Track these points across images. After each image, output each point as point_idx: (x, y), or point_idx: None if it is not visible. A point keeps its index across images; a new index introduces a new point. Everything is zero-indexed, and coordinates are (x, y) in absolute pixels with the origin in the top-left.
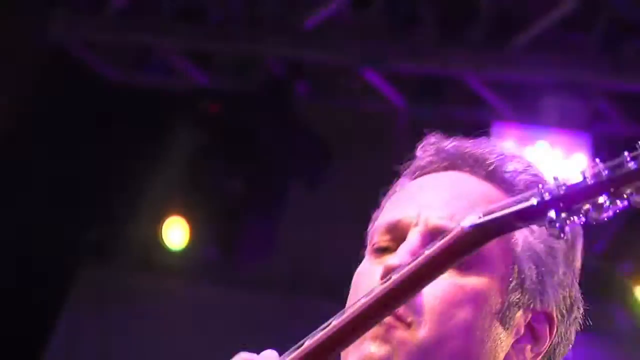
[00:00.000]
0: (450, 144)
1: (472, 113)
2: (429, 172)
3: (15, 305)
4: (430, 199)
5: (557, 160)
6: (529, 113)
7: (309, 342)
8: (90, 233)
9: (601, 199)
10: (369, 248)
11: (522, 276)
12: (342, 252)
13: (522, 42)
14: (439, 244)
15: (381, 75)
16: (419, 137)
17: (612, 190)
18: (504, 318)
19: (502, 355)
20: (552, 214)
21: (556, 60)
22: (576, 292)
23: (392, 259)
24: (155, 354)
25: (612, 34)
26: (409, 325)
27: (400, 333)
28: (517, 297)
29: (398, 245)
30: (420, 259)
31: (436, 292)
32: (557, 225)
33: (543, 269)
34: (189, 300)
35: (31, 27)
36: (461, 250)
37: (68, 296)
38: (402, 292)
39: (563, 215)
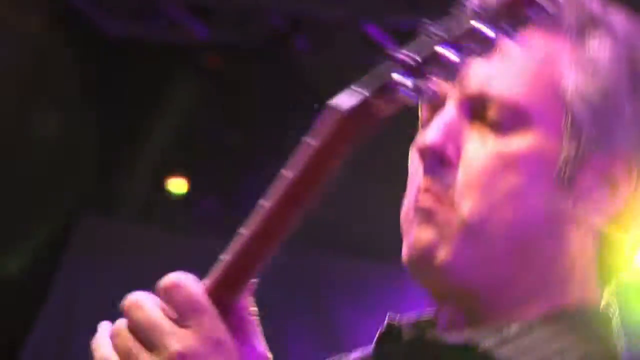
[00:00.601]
0: None
1: None
2: None
3: (14, 257)
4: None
5: None
6: None
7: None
8: (90, 186)
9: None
10: None
11: (579, 125)
12: (342, 202)
13: None
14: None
15: (382, 29)
16: None
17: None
18: (562, 179)
19: (568, 221)
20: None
21: None
22: None
23: (420, 138)
24: None
25: None
26: (451, 205)
27: (444, 214)
28: (575, 150)
29: None
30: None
31: (475, 163)
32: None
33: (605, 110)
34: (189, 252)
35: None
36: (345, 137)
37: (67, 249)
38: (303, 186)
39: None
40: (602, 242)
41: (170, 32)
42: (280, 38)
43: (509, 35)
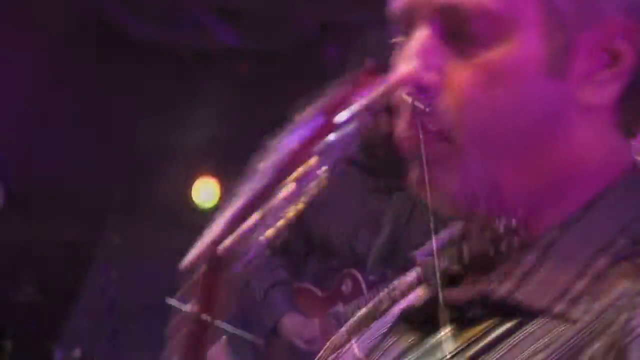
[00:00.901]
0: None
1: None
2: None
3: (50, 261)
4: None
5: None
6: None
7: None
8: (121, 191)
9: None
10: None
11: (557, 10)
12: None
13: None
14: None
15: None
16: None
17: None
18: (556, 72)
19: (575, 111)
20: None
21: None
22: None
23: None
24: None
25: None
26: (449, 141)
27: (444, 151)
28: (561, 39)
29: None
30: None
31: (461, 83)
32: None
33: None
34: None
35: None
36: None
37: (96, 252)
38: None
39: None
40: (617, 118)
41: (200, 37)
42: (310, 45)
43: None
